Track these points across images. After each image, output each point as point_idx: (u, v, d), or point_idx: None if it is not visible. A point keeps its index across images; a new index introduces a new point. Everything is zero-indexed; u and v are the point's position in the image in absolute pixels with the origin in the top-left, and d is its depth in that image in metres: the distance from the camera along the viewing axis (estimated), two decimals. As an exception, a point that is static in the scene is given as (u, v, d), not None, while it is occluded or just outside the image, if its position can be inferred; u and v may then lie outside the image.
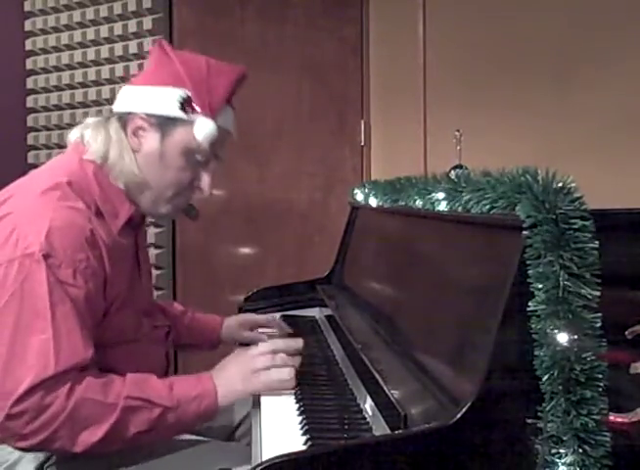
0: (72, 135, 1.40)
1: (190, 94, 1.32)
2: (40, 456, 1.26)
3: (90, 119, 1.41)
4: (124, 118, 1.35)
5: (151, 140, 1.34)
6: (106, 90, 2.90)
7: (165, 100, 1.32)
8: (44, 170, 1.37)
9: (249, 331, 1.78)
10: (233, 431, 1.57)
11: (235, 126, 1.44)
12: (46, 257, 1.16)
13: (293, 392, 1.30)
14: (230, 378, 1.27)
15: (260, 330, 1.79)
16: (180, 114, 1.32)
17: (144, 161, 1.34)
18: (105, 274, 1.26)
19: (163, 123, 1.33)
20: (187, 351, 1.98)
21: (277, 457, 0.89)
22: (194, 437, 1.39)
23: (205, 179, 1.40)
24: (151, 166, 1.35)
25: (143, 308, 1.44)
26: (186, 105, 1.32)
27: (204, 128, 1.32)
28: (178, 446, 1.31)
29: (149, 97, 1.33)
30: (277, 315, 1.93)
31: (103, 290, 1.26)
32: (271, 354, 1.31)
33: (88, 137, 1.36)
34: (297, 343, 1.40)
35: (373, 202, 1.84)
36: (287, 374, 1.29)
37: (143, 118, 1.33)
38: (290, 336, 1.73)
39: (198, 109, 1.32)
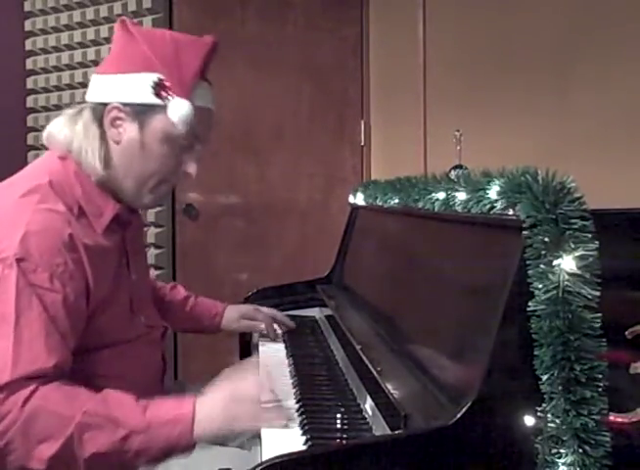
0: (47, 129, 1.36)
1: (161, 77, 1.27)
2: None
3: (65, 112, 1.36)
4: (99, 110, 1.30)
5: (129, 130, 1.29)
6: (106, 90, 2.90)
7: (138, 87, 1.27)
8: (25, 172, 1.35)
9: (248, 320, 1.77)
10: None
11: (214, 102, 1.36)
12: (19, 261, 1.13)
13: (293, 392, 1.30)
14: (211, 408, 1.13)
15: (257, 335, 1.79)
16: (155, 100, 1.27)
17: (125, 151, 1.30)
18: (86, 278, 1.22)
19: (140, 112, 1.27)
20: (188, 333, 1.97)
21: (277, 457, 0.89)
22: None
23: (191, 164, 1.34)
24: (133, 157, 1.30)
25: (136, 308, 1.39)
26: (159, 89, 1.26)
27: (178, 110, 1.26)
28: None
29: (121, 85, 1.28)
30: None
31: (85, 293, 1.22)
32: (261, 403, 1.17)
33: (55, 131, 1.32)
34: (288, 415, 1.20)
35: (373, 202, 1.84)
36: (273, 416, 1.17)
37: (118, 109, 1.28)
38: (291, 332, 1.75)
39: (172, 92, 1.27)
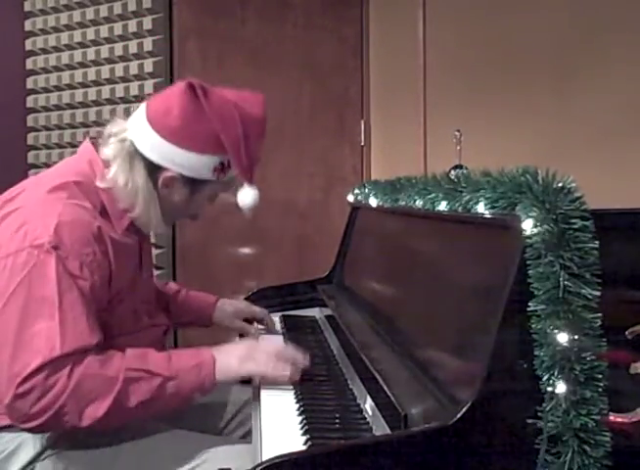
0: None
1: (225, 161, 1.35)
2: (37, 447, 1.28)
3: (109, 149, 1.36)
4: (153, 169, 1.35)
5: (181, 193, 1.38)
6: (106, 90, 2.90)
7: (202, 167, 1.34)
8: (53, 170, 1.42)
9: (240, 320, 1.78)
10: (227, 423, 1.58)
11: None
12: (55, 248, 1.21)
13: (293, 391, 1.31)
14: (229, 355, 1.30)
15: (255, 325, 1.80)
16: (213, 178, 1.36)
17: (169, 207, 1.40)
18: (110, 268, 1.30)
19: (196, 183, 1.37)
20: (182, 327, 2.02)
21: (277, 457, 0.89)
22: (194, 433, 1.40)
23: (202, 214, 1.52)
24: (176, 210, 1.42)
25: (144, 306, 1.47)
26: (221, 171, 1.36)
27: (248, 197, 1.40)
28: (177, 442, 1.33)
29: (186, 161, 1.33)
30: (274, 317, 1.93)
31: (108, 283, 1.31)
32: (275, 356, 1.33)
33: (113, 173, 1.35)
34: (306, 359, 1.38)
35: (373, 202, 1.84)
36: (281, 369, 1.32)
37: (176, 178, 1.35)
38: (291, 332, 1.76)
39: (231, 171, 1.37)
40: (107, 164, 1.36)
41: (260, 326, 1.81)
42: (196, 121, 1.32)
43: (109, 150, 1.36)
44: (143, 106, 1.38)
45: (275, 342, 1.64)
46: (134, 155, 1.35)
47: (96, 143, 1.40)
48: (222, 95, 1.37)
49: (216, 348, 1.32)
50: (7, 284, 1.21)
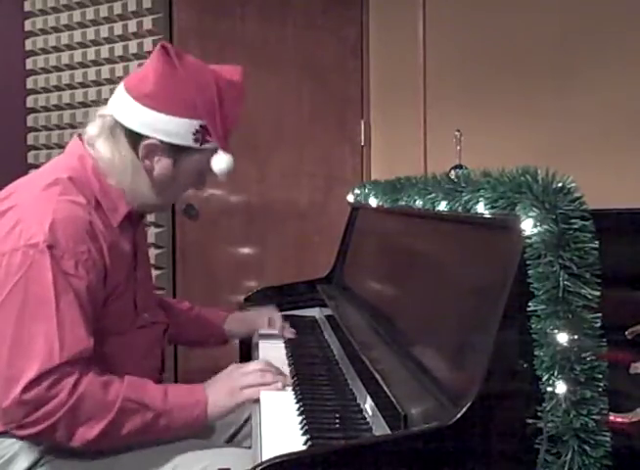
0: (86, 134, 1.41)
1: (204, 124, 1.34)
2: (35, 453, 1.27)
3: (93, 127, 1.39)
4: (135, 138, 1.35)
5: (163, 164, 1.37)
6: (106, 90, 2.89)
7: (180, 131, 1.34)
8: (46, 168, 1.42)
9: (250, 324, 1.79)
10: (235, 434, 1.57)
11: None
12: (50, 247, 1.20)
13: (293, 392, 1.31)
14: (218, 392, 1.30)
15: (261, 331, 1.79)
16: (194, 144, 1.35)
17: (156, 181, 1.39)
18: (105, 266, 1.29)
19: (177, 151, 1.36)
20: (195, 347, 2.00)
21: (277, 457, 0.89)
22: (195, 440, 1.39)
23: (201, 186, 1.49)
24: (163, 186, 1.40)
25: (143, 303, 1.46)
26: (200, 136, 1.35)
27: (223, 163, 1.37)
28: (178, 447, 1.31)
29: (163, 125, 1.33)
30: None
31: (103, 281, 1.30)
32: (261, 372, 1.34)
33: (99, 151, 1.37)
34: (286, 380, 1.37)
35: (373, 202, 1.84)
36: (273, 390, 1.31)
37: (156, 145, 1.35)
38: (291, 340, 1.74)
39: (211, 138, 1.35)
40: (92, 145, 1.38)
41: (264, 331, 1.80)
42: (171, 85, 1.34)
43: (92, 128, 1.38)
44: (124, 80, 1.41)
45: (274, 347, 1.65)
46: (115, 126, 1.36)
47: (84, 139, 1.40)
48: (198, 60, 1.39)
49: (207, 385, 1.32)
50: (3, 284, 1.20)
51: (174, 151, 1.35)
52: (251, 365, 1.37)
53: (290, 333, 1.77)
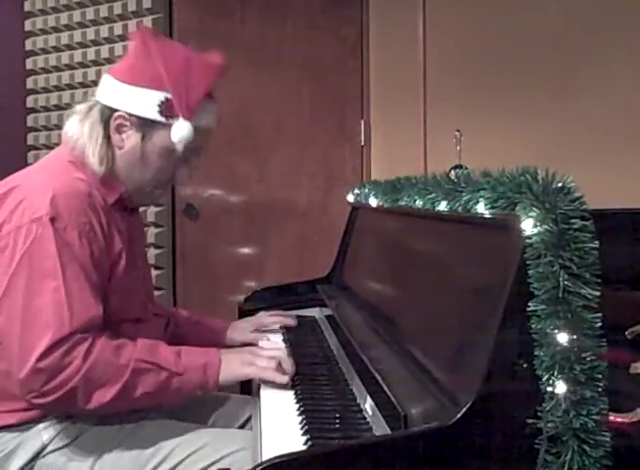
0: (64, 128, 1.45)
1: (169, 97, 1.36)
2: (37, 444, 1.29)
3: (77, 108, 1.45)
4: (107, 113, 1.39)
5: (132, 139, 1.39)
6: (106, 90, 2.89)
7: (146, 103, 1.36)
8: (41, 162, 1.46)
9: (252, 332, 1.78)
10: (244, 423, 1.58)
11: (217, 119, 1.47)
12: (53, 220, 1.24)
13: (293, 392, 1.31)
14: (233, 358, 1.34)
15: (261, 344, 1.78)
16: (159, 117, 1.36)
17: (126, 157, 1.40)
18: (104, 237, 1.33)
19: (144, 125, 1.38)
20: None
21: (277, 457, 0.89)
22: (194, 425, 1.40)
23: (185, 173, 1.46)
24: (133, 164, 1.40)
25: (145, 296, 1.50)
26: (165, 109, 1.36)
27: (180, 131, 1.36)
28: (177, 433, 1.33)
29: (130, 97, 1.37)
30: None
31: (105, 252, 1.33)
32: (272, 359, 1.35)
33: (68, 128, 1.42)
34: (292, 366, 1.39)
35: (373, 202, 1.84)
36: (279, 377, 1.33)
37: (124, 117, 1.38)
38: (291, 332, 1.75)
39: (176, 112, 1.36)
40: (67, 134, 1.41)
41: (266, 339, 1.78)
42: (142, 59, 1.39)
43: (74, 111, 1.44)
44: None
45: (276, 349, 1.65)
46: (94, 106, 1.41)
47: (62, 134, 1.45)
48: (174, 42, 1.45)
49: (222, 350, 1.36)
50: (10, 261, 1.23)
51: (141, 125, 1.37)
52: (270, 352, 1.41)
53: (292, 320, 1.81)
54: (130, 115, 1.37)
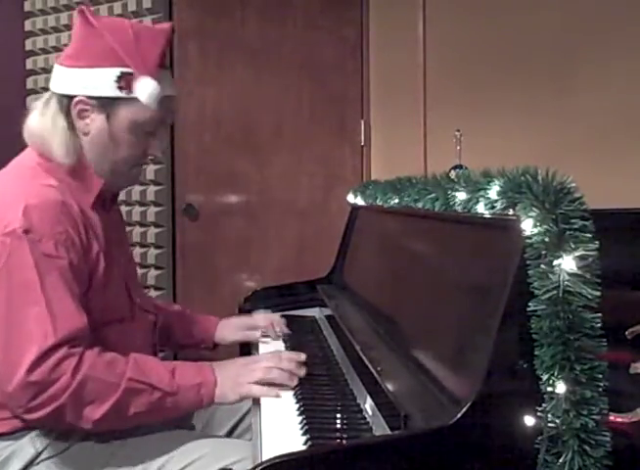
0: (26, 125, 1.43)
1: (125, 70, 1.33)
2: (31, 452, 1.27)
3: (35, 105, 1.42)
4: (65, 102, 1.36)
5: (97, 122, 1.36)
6: (106, 90, 2.90)
7: (103, 81, 1.33)
8: (9, 166, 1.43)
9: (244, 331, 1.77)
10: (234, 427, 1.57)
11: (174, 87, 1.45)
12: (27, 232, 1.21)
13: (293, 392, 1.31)
14: (224, 383, 1.29)
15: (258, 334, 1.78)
16: (120, 93, 1.33)
17: (95, 141, 1.37)
18: (82, 242, 1.29)
19: (106, 104, 1.34)
20: (185, 350, 1.97)
21: (277, 457, 0.89)
22: (195, 433, 1.39)
23: (157, 146, 1.42)
24: (103, 146, 1.37)
25: (131, 290, 1.46)
26: (124, 83, 1.33)
27: (146, 89, 1.33)
28: (175, 442, 1.31)
29: (86, 79, 1.34)
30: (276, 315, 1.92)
31: (84, 258, 1.30)
32: (272, 369, 1.32)
33: (30, 125, 1.41)
34: (300, 356, 1.37)
35: (373, 202, 1.84)
36: (272, 392, 1.30)
37: (84, 102, 1.35)
38: (287, 337, 1.72)
39: (136, 81, 1.33)
40: (29, 131, 1.40)
41: (263, 338, 1.78)
42: (88, 39, 1.35)
43: (31, 108, 1.41)
44: None
45: (274, 347, 1.64)
46: (49, 99, 1.38)
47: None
48: (115, 17, 1.43)
49: (217, 366, 1.31)
50: None
51: (103, 105, 1.34)
52: (262, 362, 1.35)
53: (284, 328, 1.76)
54: (90, 97, 1.34)
